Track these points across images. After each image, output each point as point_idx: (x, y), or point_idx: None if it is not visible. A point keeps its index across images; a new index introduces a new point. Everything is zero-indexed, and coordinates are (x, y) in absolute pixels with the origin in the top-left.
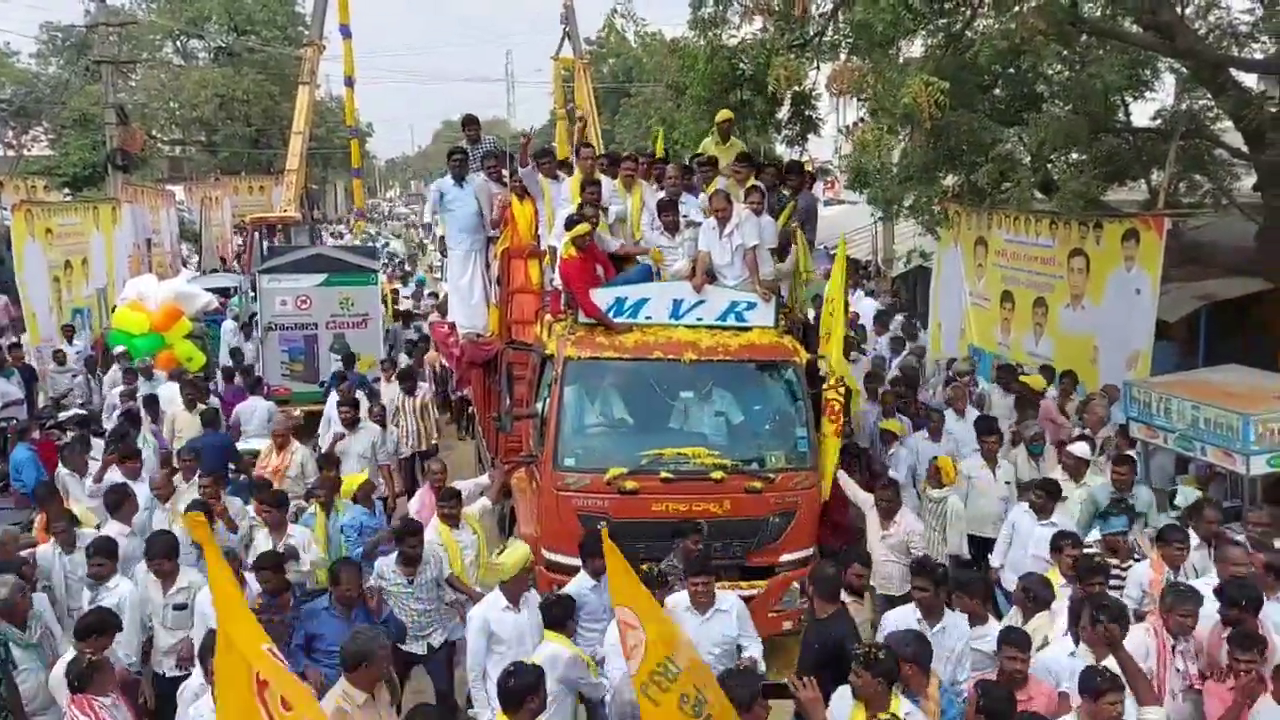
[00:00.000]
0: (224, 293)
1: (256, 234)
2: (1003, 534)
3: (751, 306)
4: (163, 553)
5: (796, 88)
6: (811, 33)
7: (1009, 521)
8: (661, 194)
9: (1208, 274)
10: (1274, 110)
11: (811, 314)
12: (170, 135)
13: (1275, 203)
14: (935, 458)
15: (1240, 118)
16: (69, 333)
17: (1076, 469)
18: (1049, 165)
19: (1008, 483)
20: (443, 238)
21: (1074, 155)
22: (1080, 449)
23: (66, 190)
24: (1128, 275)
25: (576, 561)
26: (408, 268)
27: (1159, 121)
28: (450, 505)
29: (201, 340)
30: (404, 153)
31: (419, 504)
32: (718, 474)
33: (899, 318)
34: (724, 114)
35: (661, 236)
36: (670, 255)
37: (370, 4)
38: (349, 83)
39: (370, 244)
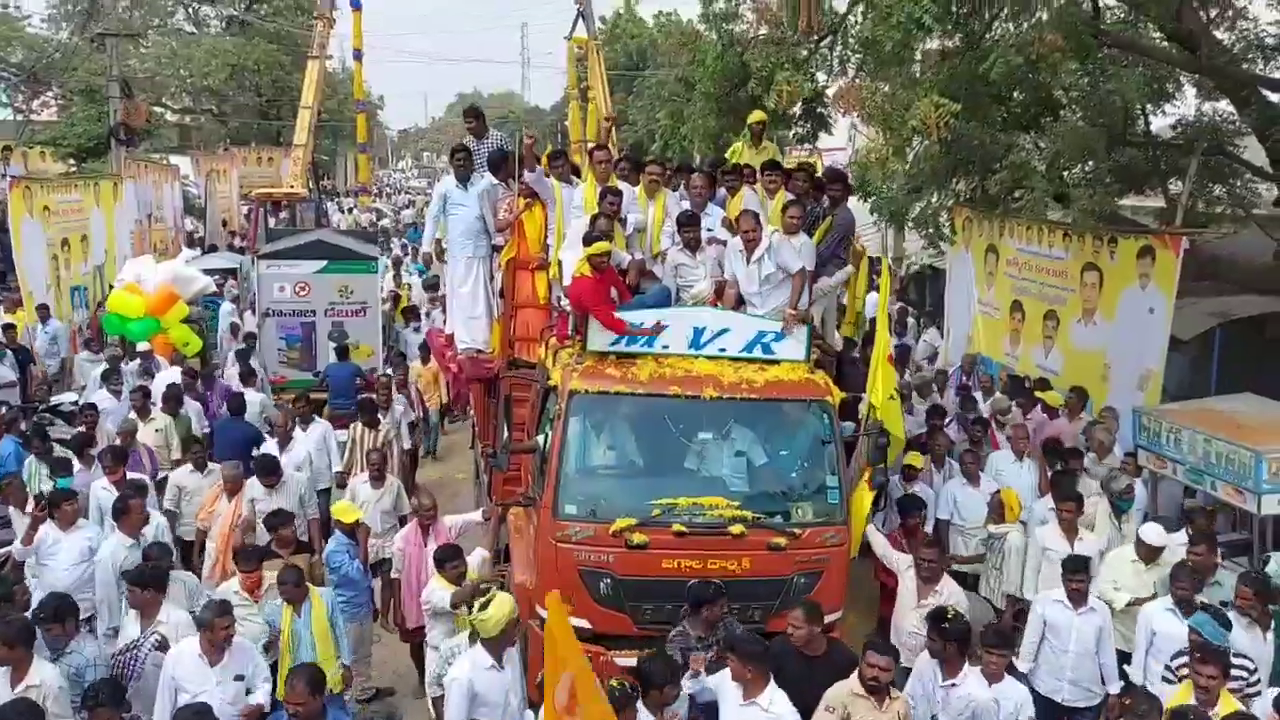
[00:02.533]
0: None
1: (262, 209)
2: (1032, 627)
3: (780, 337)
4: (15, 638)
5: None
6: (819, 37)
7: (1037, 615)
8: (685, 204)
9: (1223, 290)
10: None
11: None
12: (180, 104)
13: None
14: (999, 490)
15: (1266, 135)
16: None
17: (1149, 556)
18: (1063, 175)
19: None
20: (427, 252)
21: (1090, 164)
22: (1155, 534)
23: (71, 161)
24: (1142, 293)
25: (576, 621)
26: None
27: (1178, 131)
28: (456, 565)
29: (199, 324)
30: (417, 124)
31: (403, 541)
32: (737, 528)
33: (910, 321)
34: (757, 115)
35: (681, 253)
36: (690, 274)
37: None
38: (357, 56)
39: (374, 223)
